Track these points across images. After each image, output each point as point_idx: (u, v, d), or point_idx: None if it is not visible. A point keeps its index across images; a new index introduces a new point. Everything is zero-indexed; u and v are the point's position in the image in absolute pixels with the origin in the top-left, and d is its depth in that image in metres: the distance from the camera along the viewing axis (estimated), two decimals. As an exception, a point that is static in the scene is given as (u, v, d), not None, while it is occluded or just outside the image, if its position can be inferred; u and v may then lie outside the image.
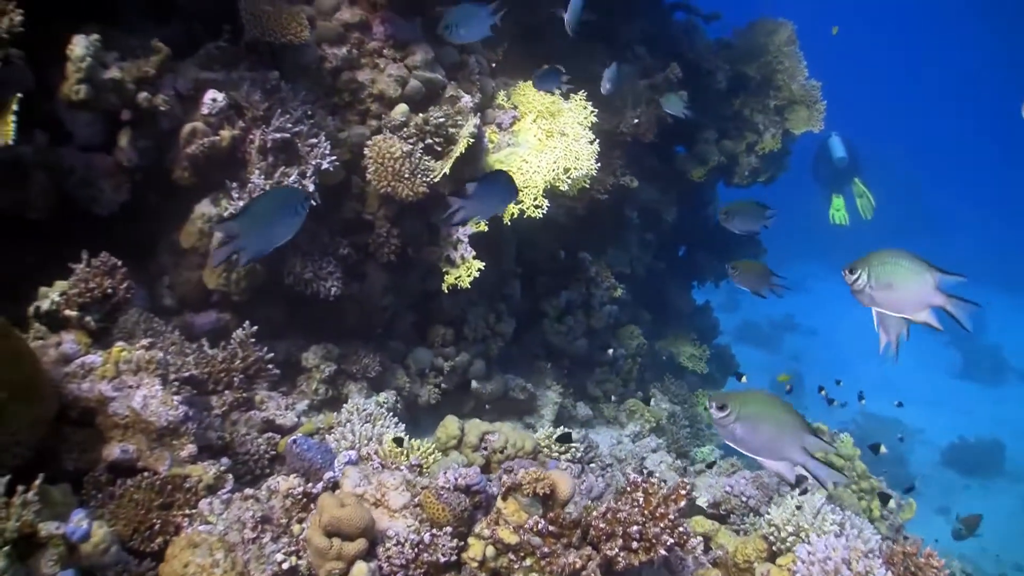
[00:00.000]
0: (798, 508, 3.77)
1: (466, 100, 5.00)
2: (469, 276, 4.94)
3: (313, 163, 4.44)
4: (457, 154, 4.76)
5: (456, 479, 3.01)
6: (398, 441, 3.92)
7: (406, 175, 4.68)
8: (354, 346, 5.08)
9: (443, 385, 5.57)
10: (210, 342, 4.60)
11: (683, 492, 2.95)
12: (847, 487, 4.80)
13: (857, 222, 9.93)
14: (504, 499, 3.00)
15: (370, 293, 5.12)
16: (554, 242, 6.90)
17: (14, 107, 3.85)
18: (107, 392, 3.29)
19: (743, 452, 2.91)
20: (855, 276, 3.04)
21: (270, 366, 4.42)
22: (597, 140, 5.51)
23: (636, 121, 6.65)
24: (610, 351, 6.83)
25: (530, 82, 5.64)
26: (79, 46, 4.06)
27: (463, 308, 5.58)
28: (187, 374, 4.09)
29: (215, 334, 4.77)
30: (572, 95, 5.73)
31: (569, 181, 5.09)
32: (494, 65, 5.96)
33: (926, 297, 2.95)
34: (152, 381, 3.23)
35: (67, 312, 3.36)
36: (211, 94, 4.45)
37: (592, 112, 5.57)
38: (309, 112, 4.54)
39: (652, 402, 7.10)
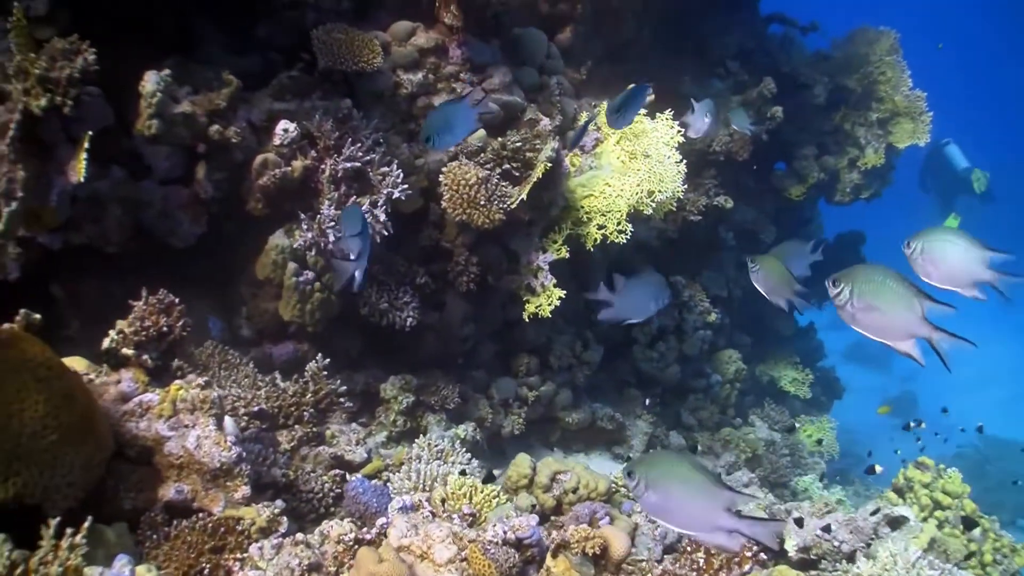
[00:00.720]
0: (893, 559, 3.32)
1: (545, 123, 4.74)
2: (550, 305, 4.66)
3: (384, 192, 4.22)
4: (534, 179, 4.49)
5: (505, 532, 2.73)
6: (463, 474, 3.65)
7: (482, 202, 4.43)
8: (433, 376, 4.84)
9: (527, 415, 5.27)
10: (288, 373, 4.49)
11: (748, 555, 2.57)
12: (952, 529, 4.28)
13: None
14: (554, 556, 2.71)
15: (449, 322, 4.89)
16: (647, 265, 6.53)
17: (85, 145, 3.77)
18: (163, 431, 3.13)
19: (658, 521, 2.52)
20: (837, 290, 2.71)
21: (343, 399, 4.25)
22: (684, 161, 5.14)
23: (728, 139, 6.24)
24: (706, 379, 6.40)
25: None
26: (150, 82, 3.97)
27: (548, 336, 5.30)
28: (256, 408, 3.95)
29: (293, 365, 4.63)
30: (658, 114, 5.38)
31: (653, 204, 4.75)
32: (578, 84, 5.66)
33: (911, 326, 2.66)
34: (206, 421, 3.06)
35: (124, 350, 3.21)
36: (283, 124, 4.31)
37: (679, 132, 5.20)
38: (380, 140, 4.33)
39: (749, 431, 6.62)
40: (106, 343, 3.30)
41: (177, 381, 3.27)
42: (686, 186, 5.04)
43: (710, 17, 7.25)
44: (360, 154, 4.29)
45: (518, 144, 4.59)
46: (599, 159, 5.02)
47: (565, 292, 4.68)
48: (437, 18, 5.00)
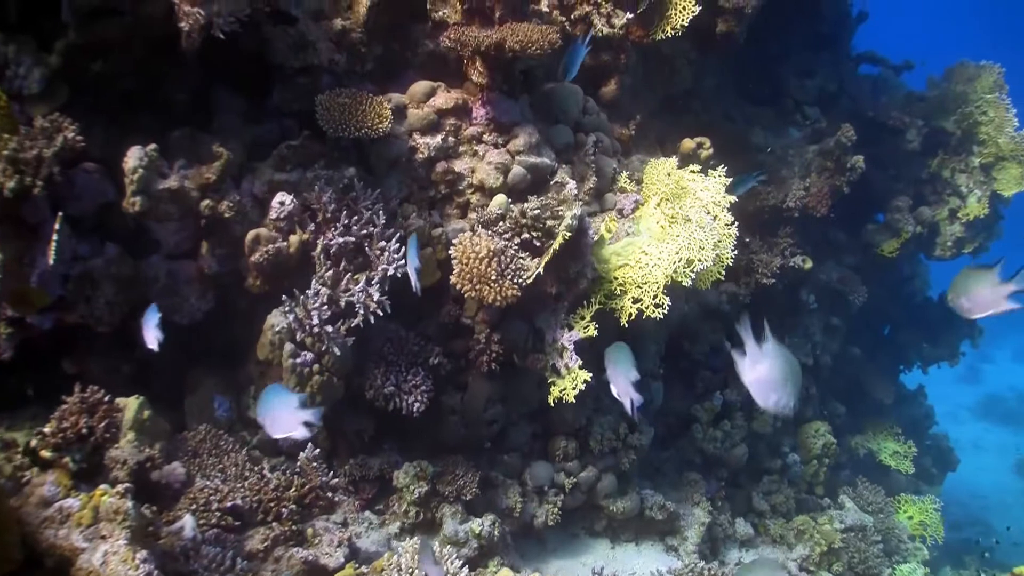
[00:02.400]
0: None
1: (571, 187, 4.13)
2: (575, 388, 4.02)
3: (380, 269, 3.70)
4: (553, 250, 3.86)
5: None
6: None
7: (493, 277, 3.86)
8: (453, 463, 4.26)
9: (566, 503, 4.61)
10: (296, 458, 4.01)
11: None
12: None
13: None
14: None
15: (472, 405, 4.31)
16: (717, 333, 5.76)
17: (56, 226, 3.43)
18: (78, 542, 2.68)
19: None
20: None
21: (330, 493, 3.73)
22: (736, 223, 4.40)
23: (803, 193, 5.43)
24: (782, 459, 5.55)
25: (663, 160, 4.64)
26: (132, 158, 3.62)
27: (588, 417, 4.61)
28: (229, 504, 3.47)
29: (301, 449, 4.12)
30: (710, 171, 4.67)
31: (693, 275, 4.03)
32: (627, 141, 5.01)
33: None
34: (119, 535, 2.58)
35: (44, 453, 2.79)
36: (279, 197, 3.89)
37: (728, 189, 4.47)
38: (382, 211, 3.83)
39: (835, 514, 5.69)
40: (29, 443, 2.89)
41: (102, 485, 2.81)
42: (735, 251, 4.27)
43: (792, 61, 6.44)
44: (355, 227, 3.77)
45: (537, 211, 3.98)
46: (637, 224, 4.35)
47: (592, 375, 3.96)
48: (466, 76, 4.47)
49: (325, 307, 3.66)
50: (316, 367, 3.89)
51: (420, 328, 4.31)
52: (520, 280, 3.94)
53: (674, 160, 4.62)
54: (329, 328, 3.65)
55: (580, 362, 4.04)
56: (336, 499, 3.82)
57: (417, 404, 3.99)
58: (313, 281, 3.72)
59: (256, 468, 3.80)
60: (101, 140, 3.74)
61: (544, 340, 4.20)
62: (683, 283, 4.09)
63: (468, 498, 4.16)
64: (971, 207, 6.00)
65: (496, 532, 4.10)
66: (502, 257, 3.94)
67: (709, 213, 4.47)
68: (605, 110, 4.96)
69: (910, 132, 6.13)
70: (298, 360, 3.85)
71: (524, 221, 4.05)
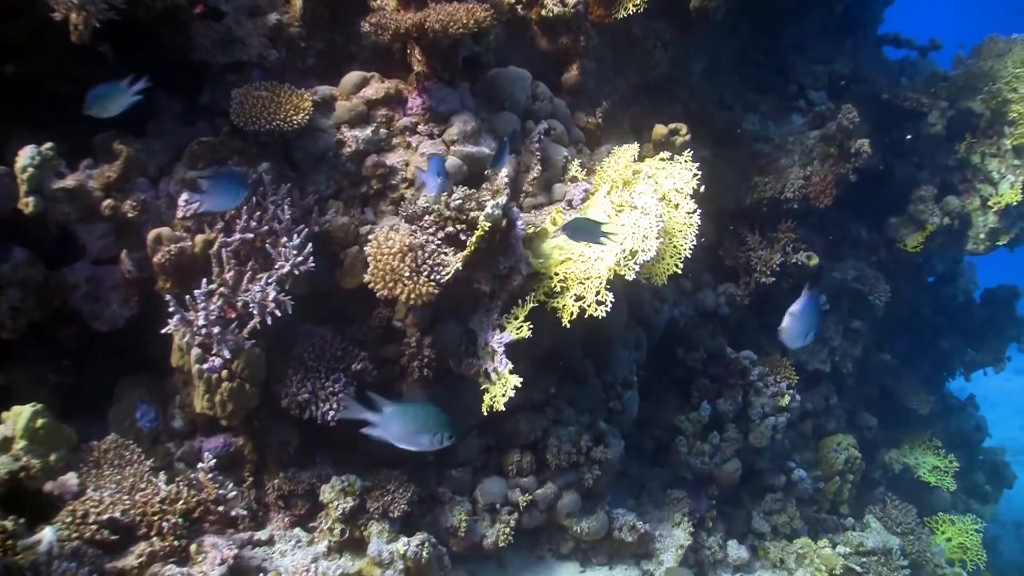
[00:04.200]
0: None
1: (503, 175, 3.59)
2: (504, 395, 3.50)
3: (278, 267, 3.28)
4: (473, 244, 3.36)
5: None
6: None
7: (406, 274, 3.38)
8: (387, 477, 3.78)
9: (524, 522, 4.06)
10: (222, 469, 3.65)
11: None
12: None
13: None
14: None
15: (407, 415, 3.79)
16: (716, 338, 5.11)
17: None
18: None
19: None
20: None
21: (221, 507, 3.32)
22: (698, 211, 3.80)
23: (802, 183, 4.74)
24: (787, 475, 4.83)
25: (626, 146, 4.08)
26: (23, 157, 3.35)
27: (545, 429, 4.06)
28: (106, 517, 3.10)
29: (226, 461, 3.76)
30: (677, 156, 4.07)
31: (637, 267, 3.44)
32: (593, 129, 4.46)
33: None
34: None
35: None
36: (185, 195, 3.52)
37: (695, 175, 3.87)
38: (285, 208, 3.42)
39: (854, 536, 4.92)
40: None
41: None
42: (690, 241, 3.67)
43: (808, 47, 5.75)
44: (254, 224, 3.36)
45: (459, 201, 3.49)
46: (584, 215, 3.79)
47: (522, 379, 3.43)
48: (410, 67, 4.04)
49: (215, 308, 3.24)
50: (225, 372, 3.47)
51: (351, 332, 3.85)
52: (438, 277, 3.45)
53: (636, 147, 4.05)
54: (216, 330, 3.22)
55: (511, 366, 3.51)
56: (234, 513, 3.38)
57: (332, 412, 3.54)
58: (204, 281, 3.30)
59: (154, 480, 3.40)
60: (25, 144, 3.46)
61: (477, 343, 3.68)
62: (626, 276, 3.50)
63: (395, 515, 3.68)
64: (1003, 194, 5.15)
65: (425, 553, 3.59)
66: (419, 252, 3.48)
67: (669, 200, 3.86)
68: (567, 97, 4.44)
69: (932, 115, 5.35)
70: (205, 366, 3.45)
71: (448, 213, 3.57)
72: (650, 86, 4.81)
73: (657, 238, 3.52)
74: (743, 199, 5.05)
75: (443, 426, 3.03)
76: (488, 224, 3.44)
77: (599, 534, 4.20)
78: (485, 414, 3.65)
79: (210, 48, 3.88)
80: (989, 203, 5.33)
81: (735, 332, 5.28)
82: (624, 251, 3.57)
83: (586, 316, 3.61)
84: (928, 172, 5.59)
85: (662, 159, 4.23)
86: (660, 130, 4.43)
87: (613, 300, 3.57)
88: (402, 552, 3.58)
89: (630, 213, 3.65)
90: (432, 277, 3.50)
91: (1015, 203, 5.22)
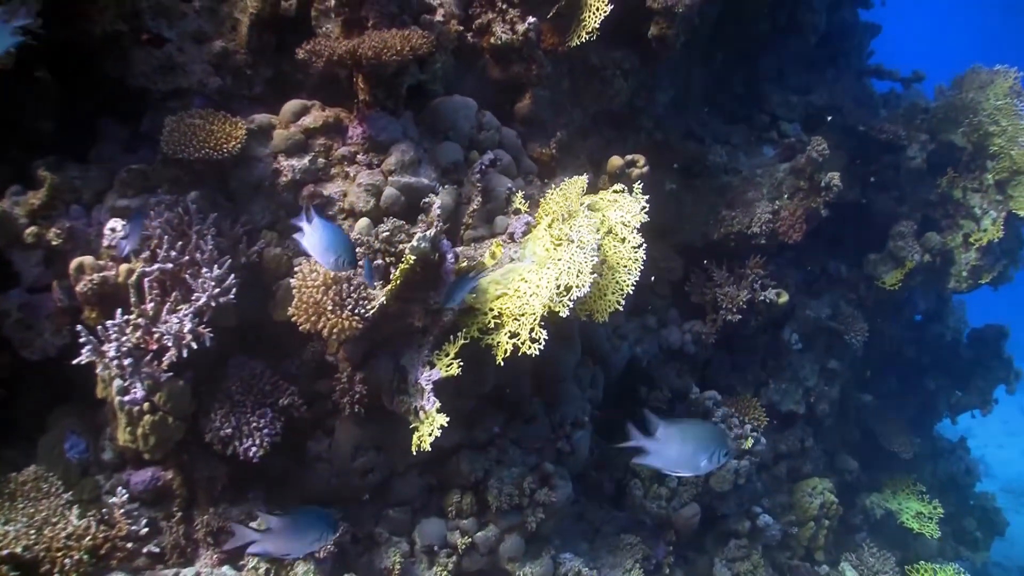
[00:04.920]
0: None
1: (437, 206, 3.47)
2: (431, 435, 3.32)
3: (195, 298, 3.17)
4: (397, 278, 3.23)
5: None
6: None
7: (329, 307, 3.25)
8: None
9: (465, 566, 3.89)
10: (150, 504, 3.55)
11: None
12: None
13: None
14: None
15: (339, 451, 3.70)
16: (683, 377, 4.91)
17: None
18: None
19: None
20: None
21: (131, 544, 3.20)
22: (643, 245, 3.64)
23: (769, 217, 4.56)
24: (752, 520, 4.60)
25: (576, 178, 3.94)
26: (-60, 184, 3.24)
27: (487, 469, 3.89)
28: (6, 552, 2.99)
29: (154, 495, 3.65)
30: (626, 191, 3.93)
31: (571, 304, 3.29)
32: (547, 161, 4.32)
33: None
34: None
35: None
36: (111, 223, 3.49)
37: (644, 208, 3.71)
38: (208, 238, 3.33)
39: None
40: None
41: None
42: (634, 277, 3.51)
43: (786, 77, 5.59)
44: (175, 254, 3.26)
45: (387, 233, 3.37)
46: (524, 248, 3.65)
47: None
48: (355, 94, 3.95)
49: (127, 339, 3.13)
50: (147, 405, 3.36)
51: (284, 366, 3.72)
52: (363, 311, 3.31)
53: (585, 178, 3.90)
54: (128, 362, 3.11)
55: (438, 404, 3.35)
56: (145, 550, 3.25)
57: (255, 449, 3.41)
58: (119, 311, 3.20)
59: (67, 514, 3.28)
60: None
61: (407, 380, 3.53)
62: (560, 313, 3.33)
63: (321, 555, 3.51)
64: (986, 230, 4.94)
65: (353, 598, 3.41)
66: (344, 286, 3.34)
67: (616, 234, 3.71)
68: (521, 127, 4.32)
69: (912, 148, 5.15)
70: (126, 398, 3.34)
71: (376, 245, 3.44)
72: (612, 116, 4.67)
73: (592, 273, 3.35)
74: (710, 233, 4.88)
75: (720, 441, 3.03)
76: (414, 257, 3.30)
77: (544, 580, 4.00)
78: (415, 453, 3.48)
79: (150, 74, 3.82)
80: (971, 240, 5.10)
81: (704, 371, 5.09)
82: (562, 286, 3.41)
83: (520, 354, 3.44)
84: (909, 207, 5.38)
85: (615, 191, 4.08)
86: (616, 161, 4.29)
87: (547, 338, 3.40)
88: (320, 599, 3.41)
89: (567, 247, 3.49)
90: (356, 311, 3.37)
91: (997, 240, 4.99)
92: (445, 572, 3.89)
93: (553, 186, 4.29)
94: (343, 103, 4.03)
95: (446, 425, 3.38)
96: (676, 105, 5.04)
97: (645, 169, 4.31)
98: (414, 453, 3.49)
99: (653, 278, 4.80)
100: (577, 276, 3.40)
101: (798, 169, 4.81)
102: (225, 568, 3.69)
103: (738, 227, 4.80)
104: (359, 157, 3.85)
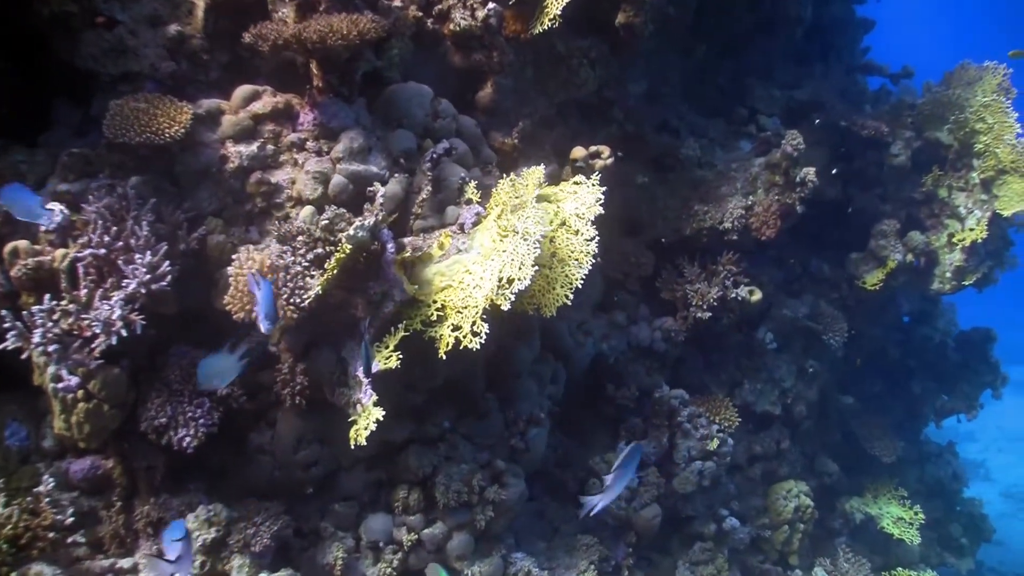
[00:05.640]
0: None
1: (380, 194, 3.36)
2: (367, 429, 3.21)
3: (126, 284, 3.10)
4: (333, 268, 3.14)
5: None
6: None
7: (264, 296, 3.14)
8: (256, 509, 3.57)
9: (408, 562, 3.79)
10: (89, 493, 3.49)
11: None
12: None
13: None
14: None
15: (281, 444, 3.60)
16: (653, 375, 4.78)
17: None
18: None
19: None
20: None
21: (52, 534, 3.11)
22: (596, 238, 3.51)
23: (741, 212, 4.41)
24: (718, 523, 4.46)
25: (533, 169, 3.81)
26: None
27: (436, 465, 3.78)
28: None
29: (94, 484, 3.58)
30: (586, 180, 3.80)
31: (512, 297, 3.17)
32: (508, 151, 4.21)
33: None
34: None
35: None
36: (49, 206, 3.34)
37: (599, 200, 3.59)
38: (144, 224, 3.25)
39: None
40: None
41: None
42: (584, 271, 3.39)
43: (774, 72, 5.44)
44: (108, 239, 3.18)
45: (327, 222, 3.27)
46: (472, 239, 3.53)
47: (384, 412, 3.17)
48: (310, 81, 3.86)
49: (55, 326, 3.06)
50: (81, 392, 3.28)
51: (227, 356, 3.63)
52: (298, 301, 3.21)
53: (541, 168, 3.78)
54: (54, 348, 3.03)
55: (375, 398, 3.25)
56: (70, 540, 3.18)
57: (189, 439, 3.33)
58: (47, 296, 3.12)
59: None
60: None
61: (348, 372, 3.43)
62: (502, 306, 3.22)
63: (256, 549, 3.43)
64: (970, 230, 4.73)
65: (294, 594, 3.33)
66: (280, 275, 3.24)
67: (569, 226, 3.58)
68: (482, 116, 4.20)
69: (896, 145, 4.97)
70: (60, 385, 3.26)
71: (317, 234, 3.33)
72: (581, 107, 4.55)
73: (535, 266, 3.23)
74: (683, 228, 4.74)
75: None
76: (350, 246, 3.20)
77: (492, 580, 3.90)
78: (352, 448, 3.38)
79: (99, 57, 3.75)
80: (955, 240, 4.91)
81: (677, 369, 4.95)
82: (504, 279, 3.29)
83: (463, 348, 3.33)
84: (893, 205, 5.20)
85: (575, 183, 3.95)
86: (578, 152, 4.17)
87: (488, 333, 3.28)
88: (254, 594, 3.33)
89: (512, 239, 3.38)
90: (292, 301, 3.28)
91: (981, 240, 4.80)
92: (390, 569, 3.79)
93: (513, 176, 4.18)
94: (300, 90, 3.94)
95: (382, 419, 3.29)
96: (651, 97, 4.90)
97: (609, 160, 4.19)
98: (351, 448, 3.39)
99: (623, 274, 4.67)
100: (519, 269, 3.28)
101: (773, 164, 4.66)
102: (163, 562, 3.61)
103: (710, 222, 4.65)
104: (309, 144, 3.76)
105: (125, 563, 3.52)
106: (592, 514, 3.32)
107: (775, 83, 5.46)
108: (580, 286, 3.54)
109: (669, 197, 4.79)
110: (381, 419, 3.29)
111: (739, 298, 4.65)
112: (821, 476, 5.54)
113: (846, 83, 5.79)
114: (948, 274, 5.05)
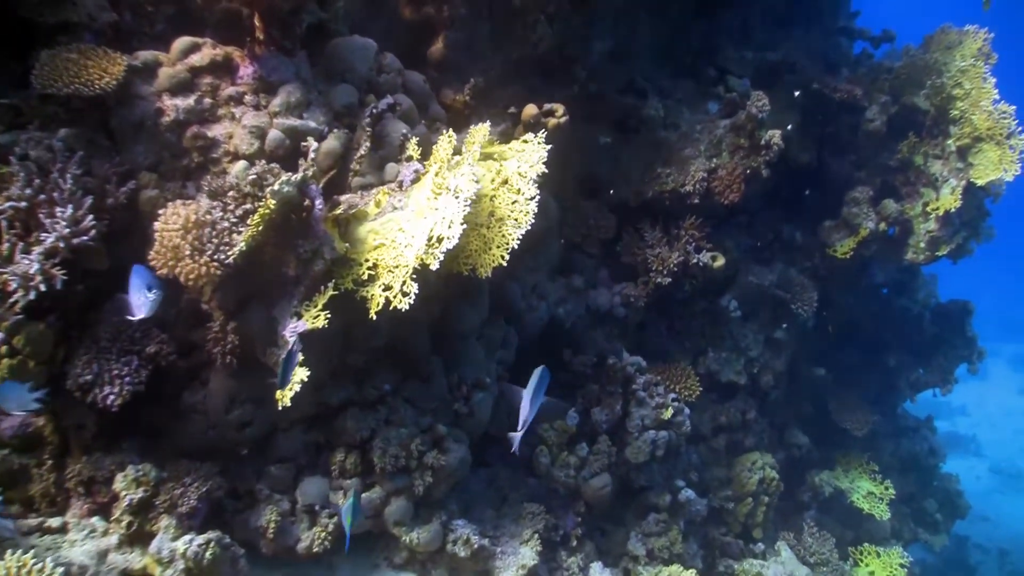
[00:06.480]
0: None
1: (313, 149, 3.26)
2: (291, 390, 3.12)
3: (45, 237, 3.02)
4: (255, 224, 3.04)
5: None
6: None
7: (187, 252, 3.07)
8: (186, 469, 3.51)
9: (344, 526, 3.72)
10: (18, 451, 3.44)
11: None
12: None
13: None
14: None
15: (213, 403, 3.53)
16: (613, 340, 4.67)
17: None
18: None
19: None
20: None
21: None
22: (536, 197, 3.39)
23: (704, 175, 4.27)
24: (673, 494, 4.37)
25: (479, 126, 3.69)
26: None
27: (374, 428, 3.70)
28: None
29: (24, 441, 3.53)
30: (529, 137, 3.68)
31: (441, 256, 3.07)
32: (460, 107, 4.08)
33: None
34: None
35: None
36: (-29, 157, 3.27)
37: (542, 157, 3.46)
38: (68, 177, 3.16)
39: (753, 564, 4.46)
40: None
41: None
42: (522, 230, 3.28)
43: (754, 34, 5.27)
44: (29, 192, 3.10)
45: (254, 176, 3.17)
46: (409, 196, 3.43)
47: (310, 373, 3.09)
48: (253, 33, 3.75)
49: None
50: (5, 349, 3.22)
51: (163, 314, 3.55)
52: (223, 257, 3.13)
53: (486, 126, 3.66)
54: (-32, 301, 2.97)
55: (301, 357, 3.15)
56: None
57: (113, 396, 3.26)
58: (-20, 251, 3.06)
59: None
60: None
61: (277, 331, 3.35)
62: (431, 265, 3.13)
63: (183, 509, 3.39)
64: (943, 199, 4.57)
65: (209, 554, 3.30)
66: (206, 230, 3.17)
67: (512, 185, 3.47)
68: (434, 72, 4.07)
69: (871, 109, 4.79)
70: (-18, 341, 3.20)
71: (246, 189, 3.24)
72: (541, 64, 4.41)
73: (462, 224, 3.12)
74: (645, 191, 4.60)
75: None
76: (274, 201, 3.10)
77: (432, 546, 3.86)
78: (279, 409, 3.30)
79: (36, 5, 3.63)
80: (928, 209, 4.74)
81: (638, 336, 4.84)
82: (433, 237, 3.19)
83: (391, 308, 3.24)
84: (867, 172, 5.04)
85: (525, 141, 3.82)
86: (530, 110, 4.06)
87: (418, 293, 3.19)
88: (182, 551, 3.29)
89: (445, 196, 3.27)
90: (216, 257, 3.20)
91: (955, 210, 4.63)
92: (324, 533, 3.73)
93: (451, 133, 4.06)
94: (245, 43, 3.83)
95: (306, 379, 3.20)
96: (618, 56, 4.74)
97: (563, 119, 4.06)
98: (279, 409, 3.32)
99: (582, 236, 4.55)
100: (449, 227, 3.18)
101: (738, 126, 4.51)
102: (94, 519, 3.58)
103: (672, 185, 4.52)
104: (247, 98, 3.67)
105: (54, 522, 3.49)
106: (513, 450, 3.29)
107: (752, 45, 5.28)
108: (516, 246, 3.43)
109: (632, 159, 4.65)
110: (306, 380, 3.21)
111: (701, 264, 4.52)
112: (791, 448, 5.44)
113: (826, 47, 5.60)
114: (922, 244, 4.89)
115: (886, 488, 5.41)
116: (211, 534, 3.46)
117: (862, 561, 5.11)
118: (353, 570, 3.98)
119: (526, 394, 3.17)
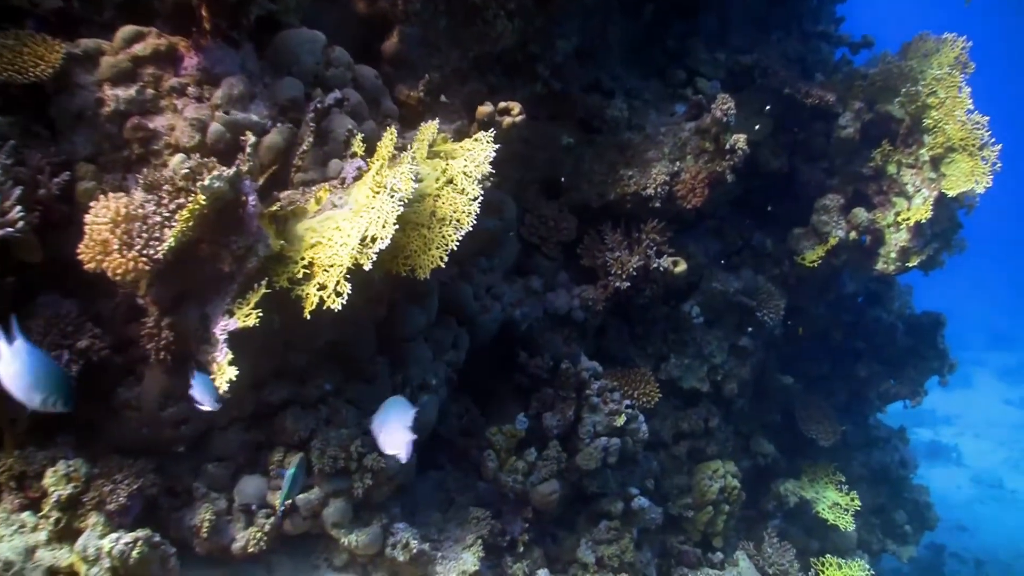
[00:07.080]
0: None
1: (250, 145, 3.19)
2: (220, 388, 3.05)
3: (-33, 228, 2.97)
4: (185, 219, 2.97)
5: None
6: None
7: (115, 246, 3.00)
8: (118, 466, 3.45)
9: (283, 528, 3.67)
10: None
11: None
12: None
13: None
14: None
15: (148, 400, 3.46)
16: (569, 345, 4.60)
17: None
18: None
19: None
20: None
21: None
22: (479, 198, 3.32)
23: (665, 179, 4.18)
24: (626, 502, 4.30)
25: (428, 124, 3.62)
26: None
27: (313, 428, 3.64)
28: None
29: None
30: (480, 135, 3.60)
31: (374, 256, 3.00)
32: (414, 104, 4.00)
33: None
34: None
35: None
36: (-96, 146, 3.21)
37: (488, 156, 3.38)
38: (9, 165, 3.12)
39: (721, 572, 4.40)
40: None
41: None
42: (463, 231, 3.20)
43: (731, 37, 5.17)
44: (-46, 180, 3.04)
45: (187, 170, 3.09)
46: (349, 194, 3.35)
47: (238, 371, 3.02)
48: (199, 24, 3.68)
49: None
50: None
51: (99, 307, 3.50)
52: (152, 252, 3.05)
53: (435, 124, 3.58)
54: None
55: (230, 356, 3.10)
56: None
57: (40, 393, 3.17)
58: None
59: None
60: None
61: (209, 328, 3.28)
62: (364, 265, 3.06)
63: (112, 507, 3.33)
64: (914, 209, 4.46)
65: (136, 553, 3.24)
66: (137, 224, 3.09)
67: (456, 185, 3.39)
68: (389, 67, 3.99)
69: (844, 116, 4.68)
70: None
71: (180, 183, 3.17)
72: (502, 62, 4.32)
73: (396, 225, 3.05)
74: (607, 193, 4.51)
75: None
76: (204, 197, 3.03)
77: (371, 549, 3.80)
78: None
79: (-26, -11, 3.56)
80: (900, 219, 4.63)
81: (598, 340, 4.75)
82: (367, 237, 3.12)
83: (324, 308, 3.17)
84: (840, 179, 4.94)
85: (475, 139, 3.74)
86: (485, 108, 3.98)
87: (359, 293, 3.12)
88: (108, 549, 3.23)
89: (382, 195, 3.19)
90: (144, 252, 3.12)
91: (926, 220, 4.52)
92: (260, 533, 3.67)
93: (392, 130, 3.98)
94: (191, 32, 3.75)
95: (234, 378, 3.13)
96: (584, 56, 4.66)
97: (519, 118, 3.98)
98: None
99: (540, 238, 4.47)
100: (382, 227, 3.10)
101: (703, 129, 4.41)
102: (25, 515, 3.52)
103: (634, 188, 4.44)
104: (190, 90, 3.60)
105: (-14, 515, 3.44)
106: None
107: (728, 48, 5.17)
108: (465, 247, 3.36)
109: (595, 160, 4.57)
110: (234, 379, 3.14)
111: (661, 268, 4.43)
112: (756, 457, 5.36)
113: (805, 51, 5.48)
114: (893, 254, 4.79)
115: (852, 499, 5.33)
116: (140, 532, 3.41)
117: (823, 572, 5.03)
118: (293, 571, 3.92)
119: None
